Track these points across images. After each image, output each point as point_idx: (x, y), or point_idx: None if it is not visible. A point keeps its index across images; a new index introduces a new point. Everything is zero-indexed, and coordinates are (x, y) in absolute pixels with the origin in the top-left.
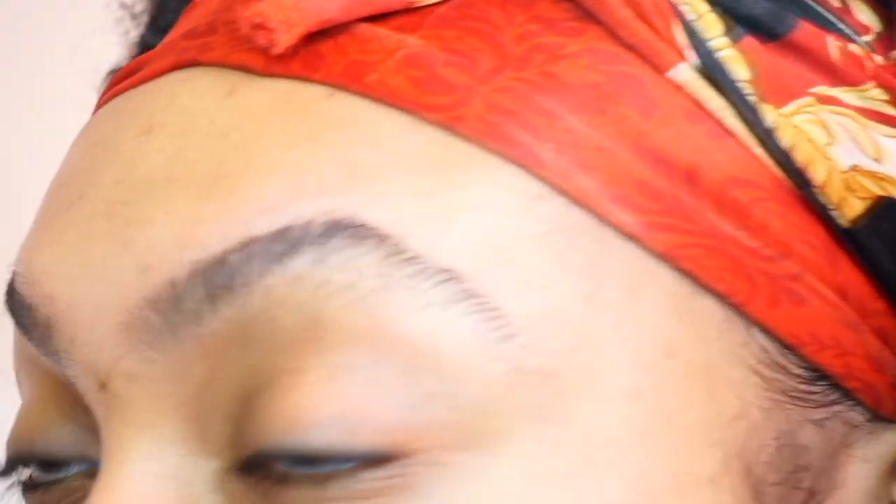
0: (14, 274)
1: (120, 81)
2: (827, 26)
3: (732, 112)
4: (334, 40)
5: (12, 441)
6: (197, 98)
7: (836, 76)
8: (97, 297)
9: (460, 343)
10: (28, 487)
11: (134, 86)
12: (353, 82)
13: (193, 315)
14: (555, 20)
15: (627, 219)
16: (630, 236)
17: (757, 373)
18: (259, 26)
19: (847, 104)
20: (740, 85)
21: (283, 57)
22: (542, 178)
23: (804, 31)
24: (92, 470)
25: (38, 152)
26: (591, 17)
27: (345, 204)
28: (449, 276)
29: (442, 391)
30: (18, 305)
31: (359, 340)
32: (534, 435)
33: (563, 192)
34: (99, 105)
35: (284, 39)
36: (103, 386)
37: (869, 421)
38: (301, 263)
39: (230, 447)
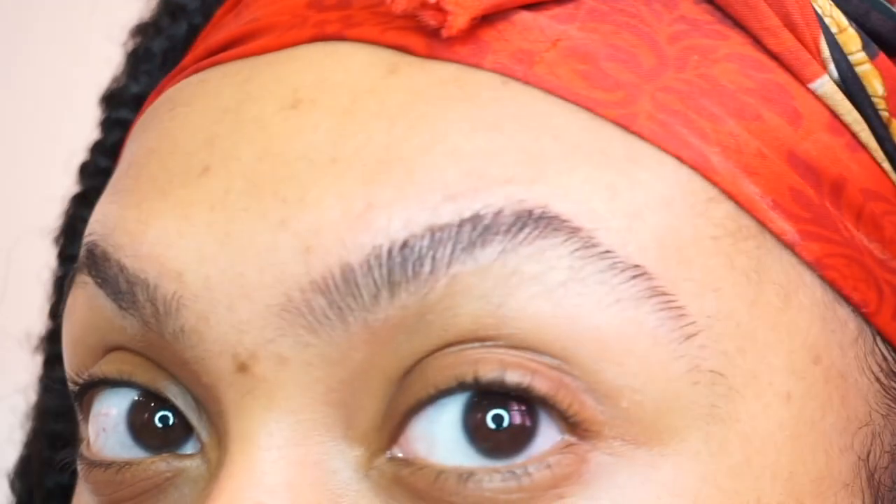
0: (108, 245)
1: (226, 47)
2: None
3: (865, 126)
4: (494, 26)
5: (96, 372)
6: (351, 75)
7: None
8: (242, 275)
9: (648, 340)
10: (94, 465)
11: (255, 54)
12: (523, 72)
13: (370, 301)
14: (699, 22)
15: (786, 227)
16: (787, 244)
17: (878, 380)
18: (430, 6)
19: None
20: (875, 100)
21: (447, 40)
22: (714, 182)
23: None
24: (182, 454)
25: (61, 108)
26: (731, 20)
27: (534, 194)
28: (639, 272)
29: (627, 385)
30: (120, 280)
31: (545, 331)
32: (704, 435)
33: (731, 196)
34: (189, 68)
35: (459, 22)
36: (243, 368)
37: None
38: (489, 253)
39: (377, 433)
